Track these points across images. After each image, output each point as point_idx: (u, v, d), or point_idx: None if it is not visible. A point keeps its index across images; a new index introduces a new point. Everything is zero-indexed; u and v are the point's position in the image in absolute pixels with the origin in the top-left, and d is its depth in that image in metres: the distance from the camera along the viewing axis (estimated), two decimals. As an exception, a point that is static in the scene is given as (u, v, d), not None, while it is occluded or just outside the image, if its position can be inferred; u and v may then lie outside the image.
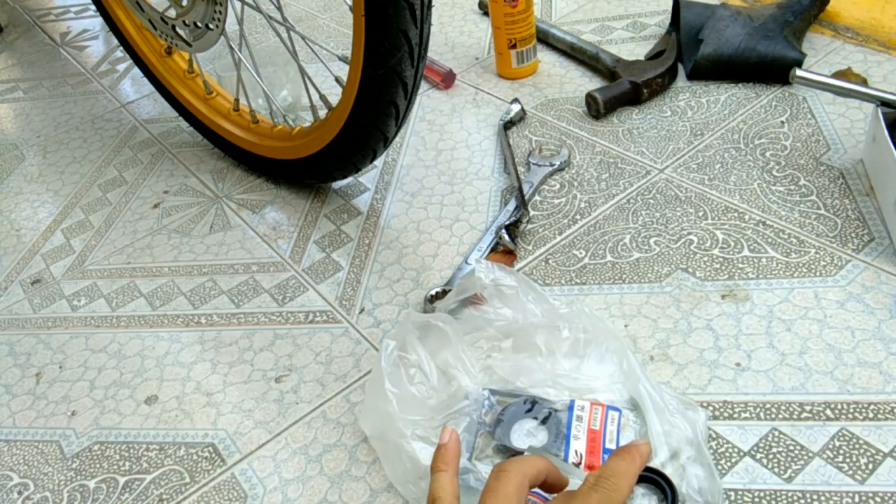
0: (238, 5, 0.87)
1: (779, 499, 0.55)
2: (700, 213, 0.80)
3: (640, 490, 0.55)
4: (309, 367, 0.74)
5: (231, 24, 0.85)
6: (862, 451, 0.56)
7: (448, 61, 1.16)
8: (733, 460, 0.58)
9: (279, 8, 0.81)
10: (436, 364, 0.65)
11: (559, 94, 1.05)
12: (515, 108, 1.01)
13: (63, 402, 0.76)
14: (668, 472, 0.55)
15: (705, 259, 0.75)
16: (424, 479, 0.56)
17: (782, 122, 0.91)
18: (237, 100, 0.98)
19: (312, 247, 0.88)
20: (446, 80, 1.11)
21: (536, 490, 0.54)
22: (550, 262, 0.79)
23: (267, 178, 1.02)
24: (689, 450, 0.56)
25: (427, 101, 1.10)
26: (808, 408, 0.60)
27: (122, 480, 0.67)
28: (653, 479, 0.54)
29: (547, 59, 1.13)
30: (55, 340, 0.83)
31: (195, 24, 0.85)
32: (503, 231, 0.80)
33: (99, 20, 1.60)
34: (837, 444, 0.57)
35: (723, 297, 0.71)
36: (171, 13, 0.88)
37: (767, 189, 0.81)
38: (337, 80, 0.82)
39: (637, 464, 0.46)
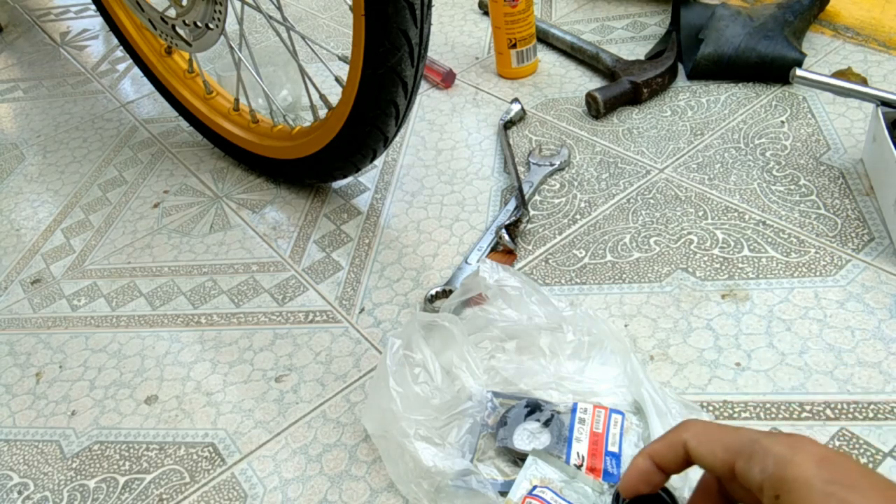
0: (238, 5, 0.87)
1: (779, 498, 0.55)
2: (700, 213, 0.80)
3: None
4: (309, 366, 0.73)
5: (231, 24, 0.85)
6: (862, 450, 0.56)
7: (448, 61, 1.16)
8: (733, 460, 0.58)
9: (279, 8, 0.81)
10: (440, 364, 0.65)
11: (559, 94, 1.05)
12: (515, 107, 1.01)
13: (63, 401, 0.76)
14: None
15: (705, 259, 0.75)
16: (426, 478, 0.56)
17: (782, 122, 0.91)
18: (237, 99, 0.98)
19: (312, 246, 0.88)
20: (446, 79, 1.11)
21: (540, 494, 0.54)
22: (550, 261, 0.79)
23: (267, 177, 1.02)
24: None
25: (427, 100, 1.10)
26: (808, 408, 0.60)
27: (121, 480, 0.67)
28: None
29: (547, 59, 1.13)
30: (55, 340, 0.83)
31: (195, 23, 0.85)
32: (503, 231, 0.80)
33: (99, 20, 1.59)
34: (837, 443, 0.57)
35: (723, 296, 0.71)
36: (171, 13, 0.88)
37: (767, 189, 0.81)
38: (337, 79, 0.82)
39: None
